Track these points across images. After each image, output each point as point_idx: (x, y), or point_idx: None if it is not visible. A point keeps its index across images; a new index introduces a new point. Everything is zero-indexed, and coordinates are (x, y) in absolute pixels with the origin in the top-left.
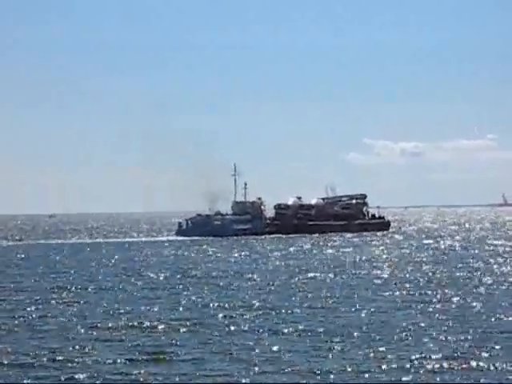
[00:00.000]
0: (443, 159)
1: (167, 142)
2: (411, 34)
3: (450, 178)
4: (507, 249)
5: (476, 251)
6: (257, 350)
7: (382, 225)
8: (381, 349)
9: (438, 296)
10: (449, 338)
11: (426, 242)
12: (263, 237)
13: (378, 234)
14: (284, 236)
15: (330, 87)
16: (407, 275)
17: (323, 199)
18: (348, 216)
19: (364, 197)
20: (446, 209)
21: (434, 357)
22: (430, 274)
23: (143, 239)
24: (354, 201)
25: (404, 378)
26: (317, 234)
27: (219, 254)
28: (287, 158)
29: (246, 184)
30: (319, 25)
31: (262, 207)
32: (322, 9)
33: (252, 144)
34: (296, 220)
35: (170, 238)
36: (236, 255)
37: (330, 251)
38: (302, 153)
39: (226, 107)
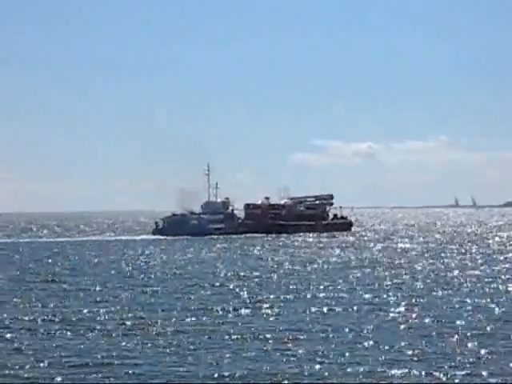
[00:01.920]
0: (395, 160)
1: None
2: (369, 36)
3: (402, 179)
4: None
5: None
6: None
7: (345, 225)
8: None
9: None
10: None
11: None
12: (235, 236)
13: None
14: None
15: (277, 87)
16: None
17: (291, 199)
18: (314, 216)
19: (331, 197)
20: (399, 210)
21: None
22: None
23: (120, 238)
24: (318, 201)
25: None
26: (285, 235)
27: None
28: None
29: (217, 184)
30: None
31: (231, 207)
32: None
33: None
34: (268, 220)
35: (146, 237)
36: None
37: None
38: (254, 155)
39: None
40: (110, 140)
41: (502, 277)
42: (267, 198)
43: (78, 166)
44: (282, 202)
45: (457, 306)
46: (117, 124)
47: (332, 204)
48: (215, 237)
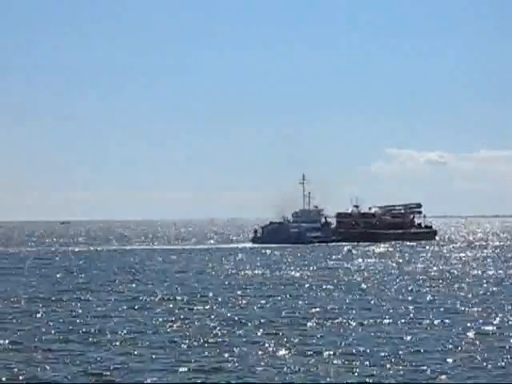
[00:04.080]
0: (467, 169)
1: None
2: (433, 46)
3: (474, 188)
4: None
5: None
6: None
7: (430, 234)
8: None
9: None
10: None
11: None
12: (332, 244)
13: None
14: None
15: (354, 97)
16: None
17: (379, 208)
18: (403, 225)
19: (419, 206)
20: (473, 219)
21: None
22: None
23: (219, 246)
24: (403, 210)
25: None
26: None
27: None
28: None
29: (309, 193)
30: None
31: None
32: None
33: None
34: (359, 228)
35: (246, 245)
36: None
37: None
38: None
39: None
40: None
41: None
42: (356, 207)
43: (160, 174)
44: (372, 211)
45: None
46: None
47: (420, 213)
48: (316, 245)
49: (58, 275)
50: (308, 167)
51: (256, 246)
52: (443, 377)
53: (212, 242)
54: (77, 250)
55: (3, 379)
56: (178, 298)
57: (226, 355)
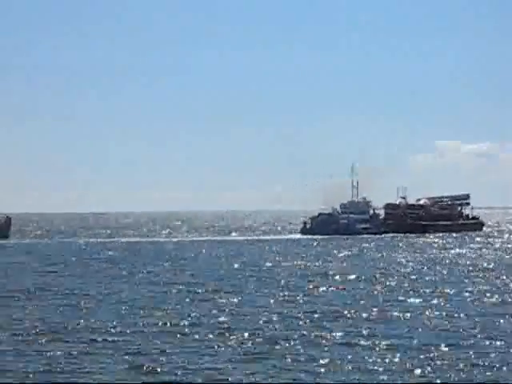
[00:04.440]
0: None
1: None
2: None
3: None
4: None
5: None
6: None
7: (477, 225)
8: None
9: None
10: None
11: None
12: (382, 236)
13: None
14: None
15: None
16: None
17: (428, 199)
18: (451, 216)
19: (467, 197)
20: None
21: None
22: None
23: (268, 237)
24: (451, 201)
25: None
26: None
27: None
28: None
29: (357, 183)
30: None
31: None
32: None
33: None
34: (408, 220)
35: (295, 236)
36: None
37: None
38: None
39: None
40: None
41: None
42: (404, 198)
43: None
44: (421, 202)
45: None
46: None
47: (468, 204)
48: (365, 236)
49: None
50: (355, 160)
51: (305, 237)
52: None
53: (256, 233)
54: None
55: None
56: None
57: None
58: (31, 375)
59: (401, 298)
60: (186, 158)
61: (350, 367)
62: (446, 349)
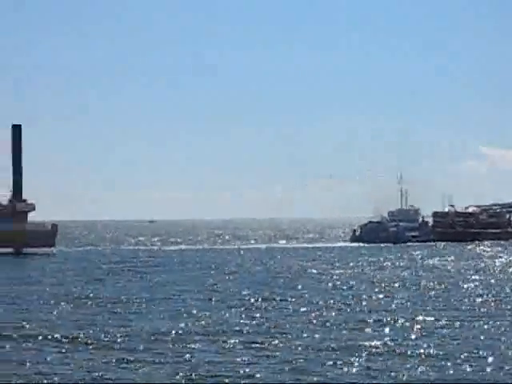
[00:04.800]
0: None
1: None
2: None
3: None
4: None
5: None
6: None
7: None
8: None
9: None
10: None
11: None
12: (431, 244)
13: None
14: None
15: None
16: None
17: (476, 207)
18: (499, 224)
19: None
20: None
21: None
22: None
23: (318, 245)
24: (499, 209)
25: None
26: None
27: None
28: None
29: (406, 191)
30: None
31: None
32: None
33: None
34: (457, 228)
35: (343, 244)
36: None
37: None
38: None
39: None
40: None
41: None
42: (452, 206)
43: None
44: (470, 210)
45: None
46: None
47: None
48: (415, 244)
49: None
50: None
51: (355, 244)
52: None
53: (302, 240)
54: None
55: None
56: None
57: None
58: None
59: (446, 306)
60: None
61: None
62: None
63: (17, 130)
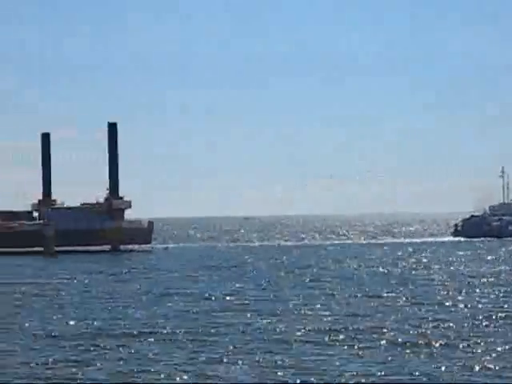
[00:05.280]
0: None
1: None
2: None
3: None
4: None
5: None
6: None
7: None
8: None
9: None
10: None
11: None
12: None
13: None
14: None
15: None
16: None
17: None
18: None
19: None
20: None
21: None
22: None
23: (419, 240)
24: None
25: None
26: None
27: None
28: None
29: (508, 184)
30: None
31: None
32: None
33: None
34: None
35: (447, 238)
36: None
37: None
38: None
39: None
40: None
41: None
42: None
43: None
44: None
45: None
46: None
47: None
48: None
49: None
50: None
51: (457, 239)
52: None
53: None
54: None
55: None
56: None
57: None
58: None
59: None
60: None
61: None
62: None
63: (113, 128)
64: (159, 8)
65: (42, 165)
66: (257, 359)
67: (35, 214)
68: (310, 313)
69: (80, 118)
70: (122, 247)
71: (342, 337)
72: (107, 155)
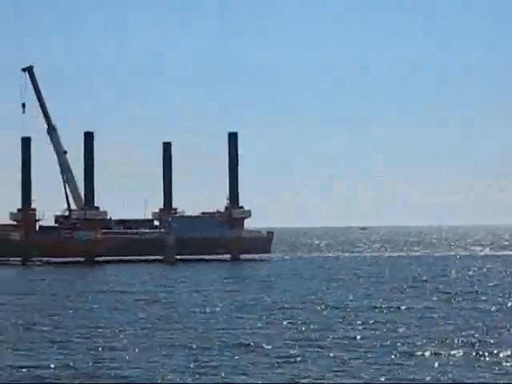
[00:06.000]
0: None
1: None
2: None
3: None
4: None
5: None
6: None
7: None
8: None
9: None
10: None
11: None
12: None
13: None
14: None
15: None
16: None
17: None
18: None
19: None
20: None
21: None
22: None
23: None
24: None
25: None
26: None
27: None
28: None
29: None
30: None
31: None
32: None
33: None
34: None
35: None
36: None
37: None
38: None
39: None
40: None
41: None
42: None
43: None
44: None
45: None
46: None
47: None
48: None
49: None
50: None
51: None
52: None
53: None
54: None
55: None
56: None
57: None
58: None
59: None
60: None
61: None
62: None
63: (233, 137)
64: None
65: (163, 174)
66: None
67: (156, 223)
68: None
69: (200, 127)
70: (241, 256)
71: None
72: (227, 165)
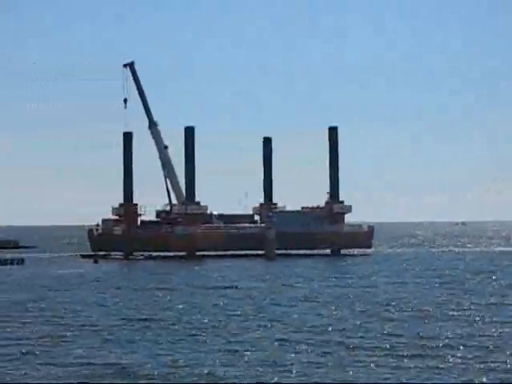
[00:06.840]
0: None
1: None
2: None
3: None
4: None
5: None
6: None
7: None
8: None
9: None
10: None
11: None
12: None
13: None
14: None
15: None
16: None
17: None
18: None
19: None
20: None
21: None
22: None
23: None
24: None
25: None
26: None
27: None
28: None
29: None
30: None
31: None
32: None
33: None
34: None
35: None
36: None
37: None
38: None
39: None
40: None
41: None
42: None
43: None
44: None
45: None
46: None
47: None
48: None
49: None
50: None
51: None
52: None
53: None
54: None
55: None
56: None
57: None
58: None
59: None
60: None
61: None
62: None
63: (333, 132)
64: None
65: (264, 169)
66: None
67: (256, 217)
68: None
69: (299, 122)
70: (342, 251)
71: None
72: (327, 159)
